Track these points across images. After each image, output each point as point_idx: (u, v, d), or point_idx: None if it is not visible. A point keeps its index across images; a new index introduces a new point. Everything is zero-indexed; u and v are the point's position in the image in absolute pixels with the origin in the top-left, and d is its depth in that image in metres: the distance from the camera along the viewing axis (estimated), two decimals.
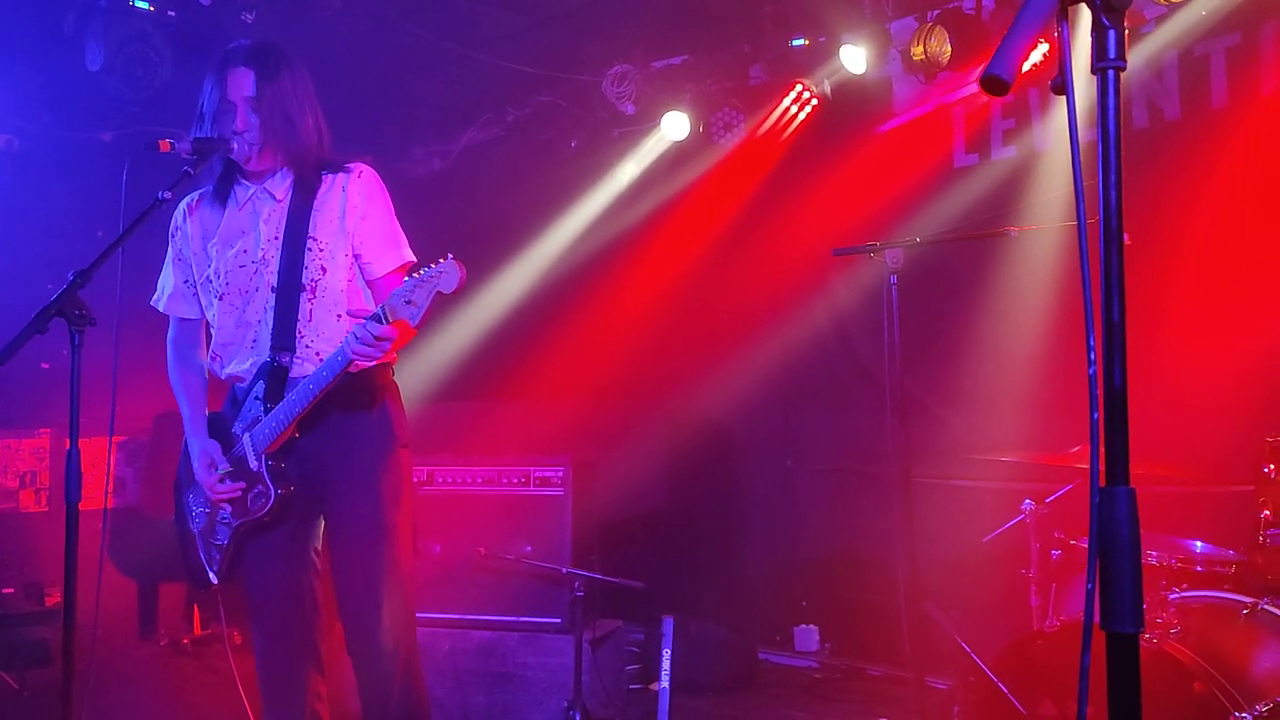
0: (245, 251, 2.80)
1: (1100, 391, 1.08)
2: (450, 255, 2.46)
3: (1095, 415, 1.09)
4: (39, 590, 5.83)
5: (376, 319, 2.52)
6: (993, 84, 1.01)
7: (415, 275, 2.47)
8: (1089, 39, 1.13)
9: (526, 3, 5.36)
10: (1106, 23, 1.08)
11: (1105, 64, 1.10)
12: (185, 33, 4.65)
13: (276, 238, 2.77)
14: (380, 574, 2.73)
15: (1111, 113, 1.09)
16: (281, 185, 2.82)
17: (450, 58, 5.70)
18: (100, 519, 6.40)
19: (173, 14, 4.51)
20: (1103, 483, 1.08)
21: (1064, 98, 1.13)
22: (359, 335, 2.54)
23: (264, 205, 2.81)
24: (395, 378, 2.94)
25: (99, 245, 6.70)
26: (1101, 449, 1.08)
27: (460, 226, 6.25)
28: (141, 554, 5.80)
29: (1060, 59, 1.07)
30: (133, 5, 4.39)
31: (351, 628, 2.77)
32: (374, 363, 2.63)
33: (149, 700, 5.01)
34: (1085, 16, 1.13)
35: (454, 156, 6.85)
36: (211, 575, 2.87)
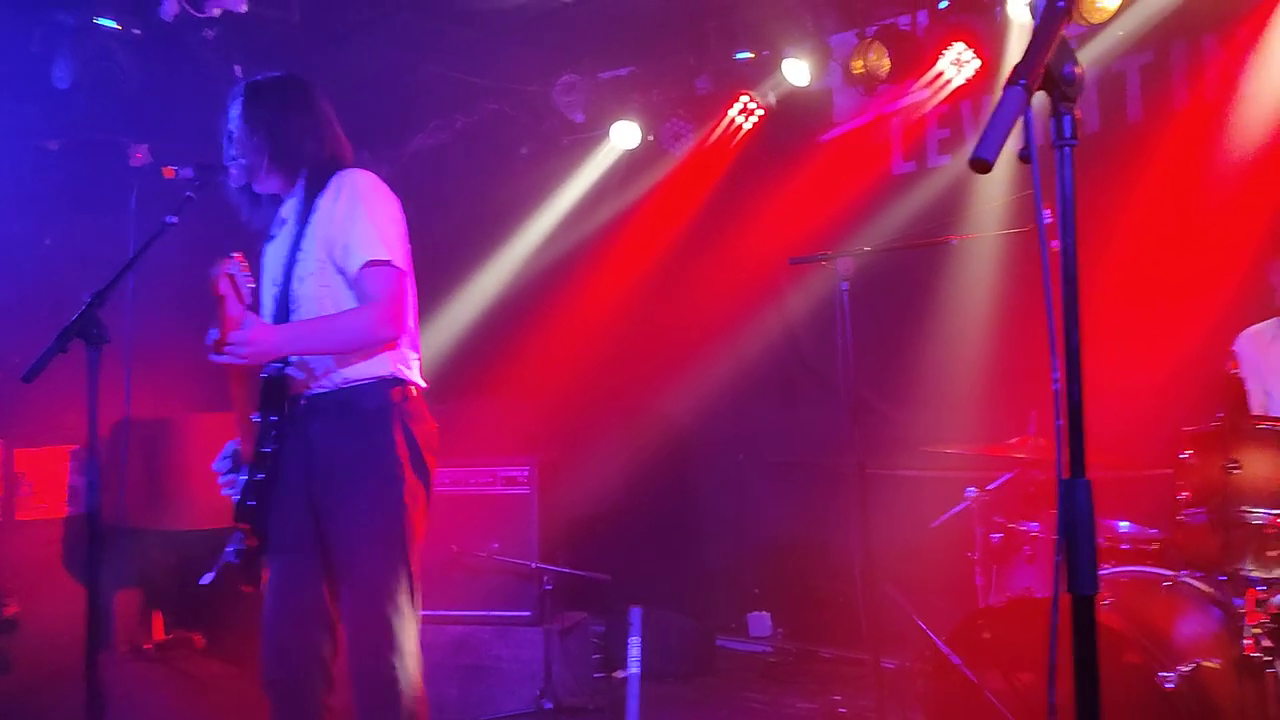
0: (267, 274, 2.91)
1: (1064, 403, 1.33)
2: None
3: (1060, 422, 1.34)
4: None
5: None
6: (979, 165, 1.25)
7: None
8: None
9: (475, 17, 5.50)
10: (1062, 110, 1.36)
11: (1062, 142, 1.37)
12: (149, 49, 4.72)
13: (284, 257, 2.85)
14: (374, 606, 2.69)
15: (1068, 180, 1.35)
16: (291, 207, 2.89)
17: (401, 67, 5.82)
18: (58, 528, 6.40)
19: (138, 32, 4.58)
20: (1066, 475, 1.34)
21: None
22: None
23: (280, 228, 2.92)
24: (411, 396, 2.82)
25: (48, 254, 6.63)
26: (1066, 449, 1.34)
27: (412, 232, 6.34)
28: (97, 561, 5.79)
29: (1025, 136, 1.32)
30: (98, 23, 4.45)
31: (350, 652, 2.76)
32: (244, 360, 2.59)
33: (121, 707, 5.05)
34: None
35: (402, 162, 6.94)
36: (207, 575, 2.79)
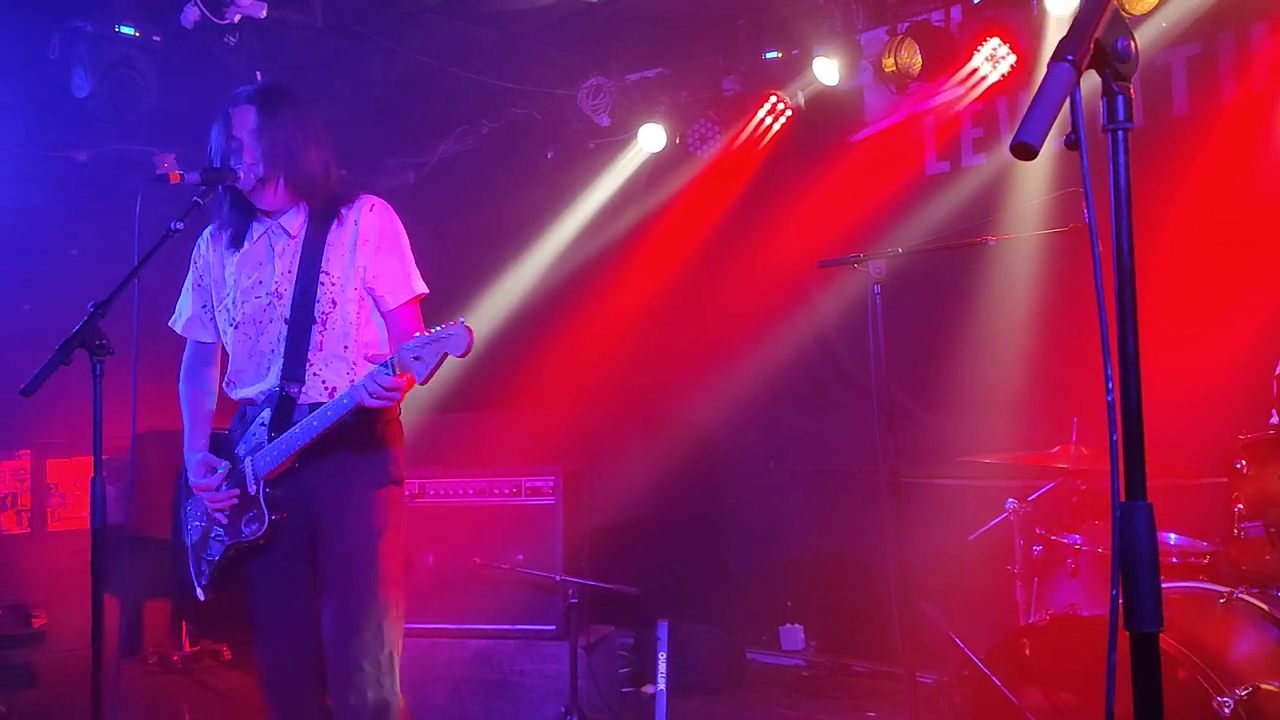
0: (260, 283, 2.88)
1: (1118, 415, 1.19)
2: (461, 319, 2.55)
3: (1114, 437, 1.20)
4: (25, 613, 5.81)
5: (387, 370, 2.59)
6: (1023, 150, 1.12)
7: (427, 333, 2.56)
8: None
9: (501, 18, 5.43)
10: (1115, 89, 1.22)
11: (1115, 125, 1.23)
12: (169, 56, 4.69)
13: (290, 271, 2.85)
14: (362, 608, 2.76)
15: (1122, 167, 1.21)
16: (295, 221, 2.89)
17: (426, 72, 5.77)
18: (88, 539, 6.39)
19: (157, 39, 4.55)
20: (1123, 498, 1.20)
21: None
22: (368, 384, 2.61)
23: (278, 240, 2.89)
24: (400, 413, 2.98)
25: (74, 264, 6.65)
26: (1122, 467, 1.20)
27: (436, 239, 6.30)
28: (125, 572, 5.79)
29: (1073, 118, 1.19)
30: (118, 31, 4.41)
31: (330, 656, 2.80)
32: (383, 406, 2.69)
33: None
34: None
35: (428, 169, 6.90)
36: (199, 591, 2.91)
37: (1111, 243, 1.22)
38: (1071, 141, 1.21)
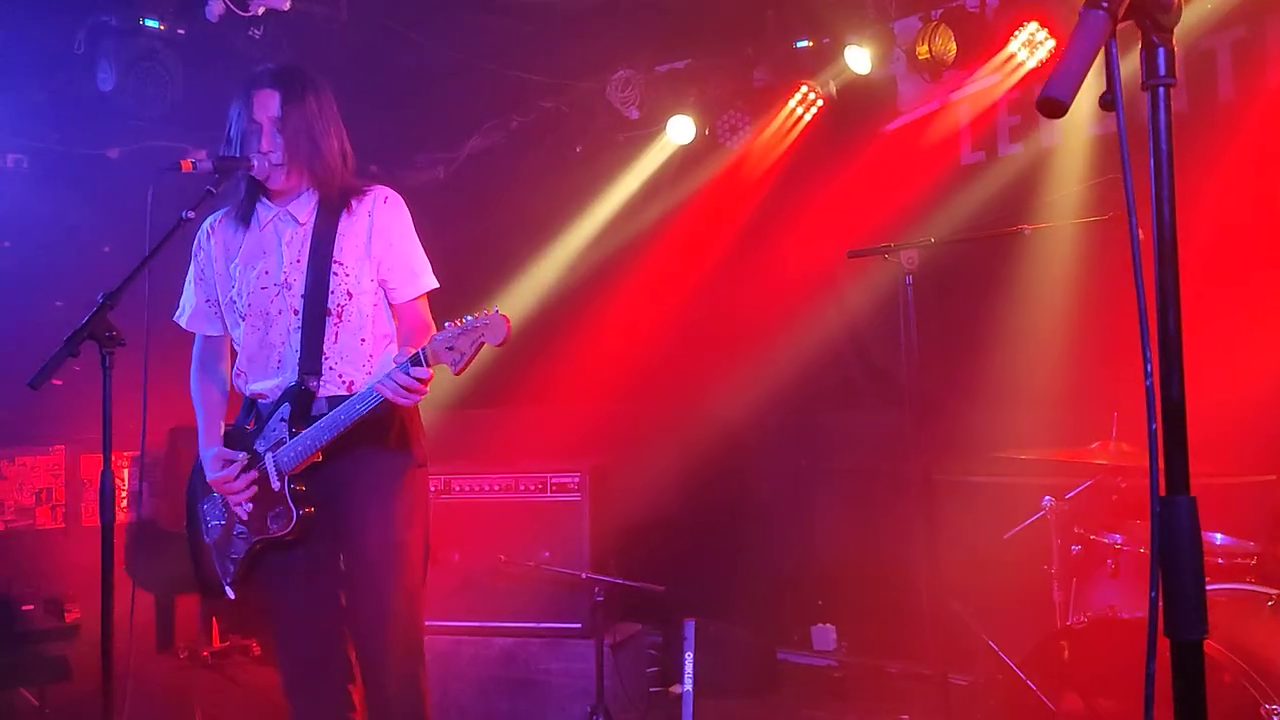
0: (267, 273, 2.83)
1: (1158, 403, 1.10)
2: (496, 308, 2.51)
3: (1153, 426, 1.11)
4: (59, 606, 5.85)
5: (417, 362, 2.54)
6: (1050, 106, 1.02)
7: (459, 323, 2.50)
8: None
9: (529, 11, 5.37)
10: (1156, 41, 1.11)
11: (1155, 81, 1.12)
12: (194, 49, 4.68)
13: (299, 261, 2.80)
14: (390, 594, 2.75)
15: (1163, 129, 1.11)
16: (305, 208, 2.84)
17: (454, 66, 5.72)
18: (120, 533, 6.44)
19: (182, 32, 4.54)
20: (1163, 492, 1.10)
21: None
22: (398, 378, 2.56)
23: (286, 228, 2.84)
24: None
25: (107, 261, 6.66)
26: (1162, 459, 1.11)
27: (466, 234, 6.26)
28: (158, 567, 5.81)
29: (1108, 76, 1.09)
30: (143, 24, 4.40)
31: (359, 644, 2.80)
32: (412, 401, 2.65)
33: (174, 715, 5.03)
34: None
35: (458, 164, 6.87)
36: (229, 589, 2.89)
37: (1151, 216, 1.12)
38: (1106, 101, 1.11)
